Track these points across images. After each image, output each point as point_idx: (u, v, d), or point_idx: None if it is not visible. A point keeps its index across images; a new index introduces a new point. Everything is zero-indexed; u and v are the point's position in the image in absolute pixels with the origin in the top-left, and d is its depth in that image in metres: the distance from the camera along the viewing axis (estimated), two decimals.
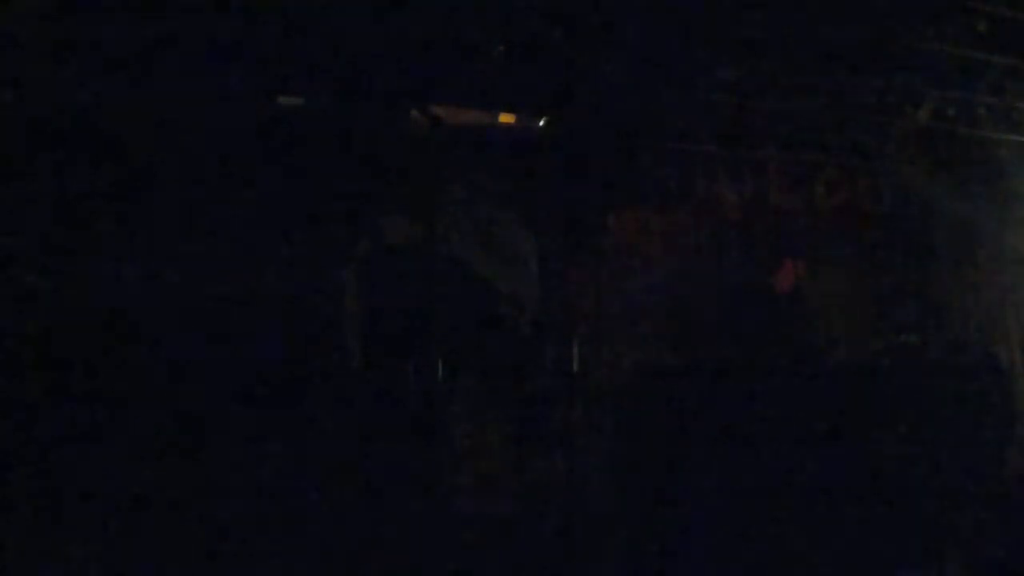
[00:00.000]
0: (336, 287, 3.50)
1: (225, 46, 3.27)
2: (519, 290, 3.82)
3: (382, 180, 3.63)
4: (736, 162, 4.58)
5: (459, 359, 3.60)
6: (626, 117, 4.15)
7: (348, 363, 3.46)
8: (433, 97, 3.69)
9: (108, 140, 3.19)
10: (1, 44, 2.99)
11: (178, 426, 3.09)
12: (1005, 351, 4.85)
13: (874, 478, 3.84)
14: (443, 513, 3.45)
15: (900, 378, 4.22)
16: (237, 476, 3.13)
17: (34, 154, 3.10)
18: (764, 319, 4.17)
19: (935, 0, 3.85)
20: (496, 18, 3.51)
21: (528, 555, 3.53)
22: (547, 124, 4.06)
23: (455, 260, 3.69)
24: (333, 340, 3.45)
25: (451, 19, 3.43)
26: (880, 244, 4.84)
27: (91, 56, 3.13)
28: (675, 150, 4.44)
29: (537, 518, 3.63)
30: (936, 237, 4.96)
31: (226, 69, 3.33)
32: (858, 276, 4.78)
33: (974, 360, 4.61)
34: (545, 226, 3.99)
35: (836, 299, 4.71)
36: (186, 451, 3.08)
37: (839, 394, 4.02)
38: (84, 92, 3.16)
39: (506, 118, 4.03)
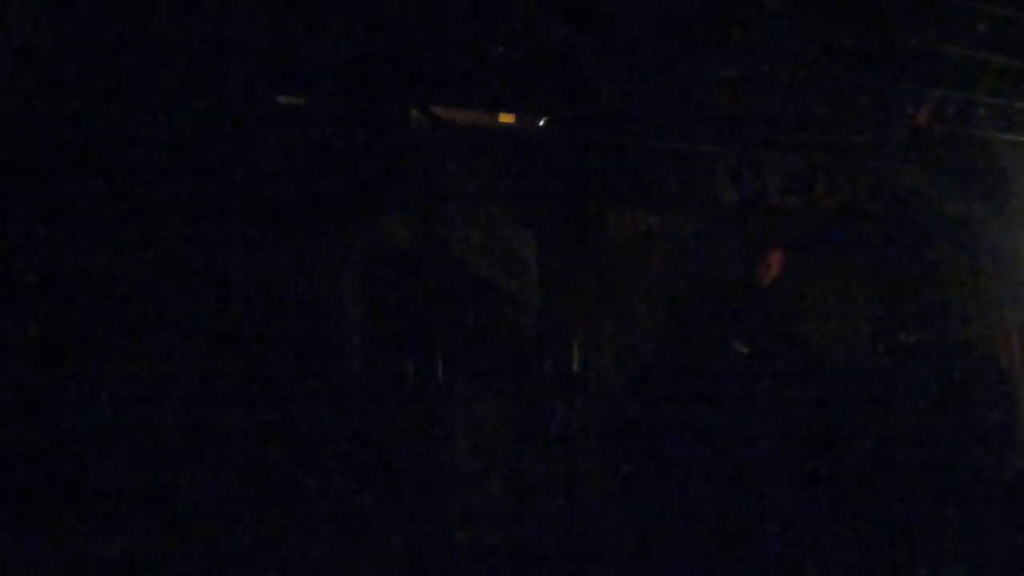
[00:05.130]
0: (335, 287, 3.50)
1: (225, 45, 3.27)
2: (519, 290, 3.82)
3: (382, 180, 3.63)
4: (736, 162, 4.59)
5: (459, 359, 3.60)
6: (626, 117, 4.15)
7: (348, 363, 3.46)
8: (433, 97, 3.69)
9: (106, 140, 3.19)
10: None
11: (176, 427, 3.09)
12: (1005, 351, 4.86)
13: (873, 476, 3.84)
14: (442, 513, 3.45)
15: (900, 378, 4.22)
16: (237, 476, 3.13)
17: (31, 153, 3.09)
18: (765, 319, 4.16)
19: (935, 0, 3.85)
20: (496, 18, 3.50)
21: (528, 555, 3.52)
22: (547, 124, 4.06)
23: (455, 260, 3.69)
24: (333, 340, 3.45)
25: (451, 19, 3.43)
26: (880, 244, 4.84)
27: (89, 55, 3.13)
28: (675, 150, 4.44)
29: (537, 518, 3.63)
30: (936, 237, 4.96)
31: (226, 68, 3.33)
32: (858, 276, 4.79)
33: (974, 360, 4.61)
34: (545, 226, 3.99)
35: (836, 299, 4.71)
36: (185, 451, 3.08)
37: (839, 393, 4.02)
38: (82, 91, 3.16)
39: (506, 118, 4.04)
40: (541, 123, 4.06)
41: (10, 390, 2.91)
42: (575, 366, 3.83)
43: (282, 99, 3.55)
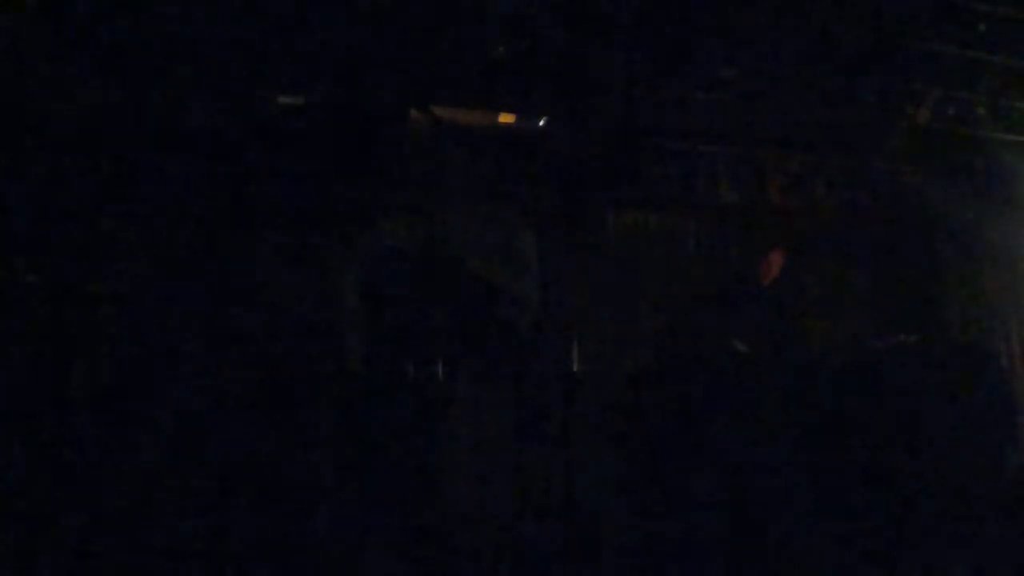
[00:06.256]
0: (336, 287, 3.50)
1: (225, 45, 3.27)
2: (519, 290, 3.82)
3: (382, 180, 3.63)
4: (736, 162, 4.59)
5: (459, 359, 3.60)
6: (626, 117, 4.15)
7: (348, 363, 3.46)
8: (433, 97, 3.69)
9: (106, 140, 3.19)
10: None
11: (176, 426, 3.08)
12: (1005, 351, 4.86)
13: (873, 477, 3.84)
14: (442, 513, 3.45)
15: (899, 378, 4.22)
16: (236, 476, 3.13)
17: (33, 154, 3.10)
18: (765, 319, 4.17)
19: (935, 0, 3.85)
20: (496, 18, 3.50)
21: (528, 555, 3.53)
22: (547, 124, 4.06)
23: (455, 260, 3.68)
24: (333, 340, 3.45)
25: (452, 19, 3.43)
26: (880, 244, 4.85)
27: (89, 55, 3.13)
28: (675, 150, 4.44)
29: (537, 518, 3.63)
30: (936, 237, 4.96)
31: (226, 68, 3.33)
32: (858, 276, 4.79)
33: (974, 360, 4.61)
34: (545, 226, 3.99)
35: (836, 299, 4.71)
36: (184, 451, 3.07)
37: (840, 393, 4.02)
38: (82, 92, 3.16)
39: (506, 118, 4.04)
40: (541, 123, 4.06)
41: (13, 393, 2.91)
42: (575, 366, 3.83)
43: (282, 99, 3.55)
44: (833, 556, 3.54)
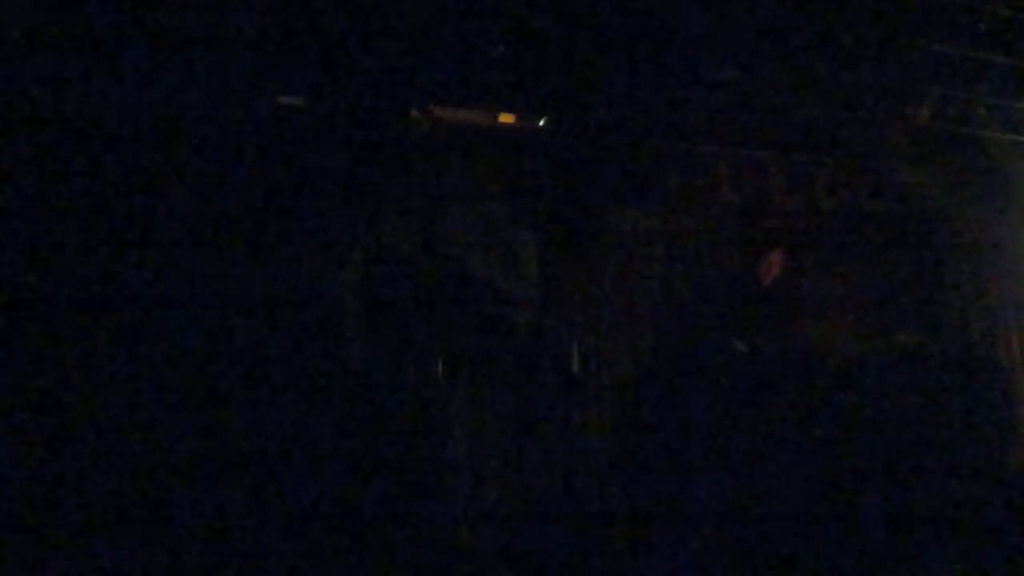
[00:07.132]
0: (335, 287, 3.50)
1: (225, 45, 3.27)
2: (519, 290, 3.82)
3: (382, 180, 3.63)
4: (736, 162, 4.59)
5: (459, 359, 3.60)
6: (626, 117, 4.15)
7: (348, 364, 3.46)
8: (433, 97, 3.69)
9: (106, 139, 3.19)
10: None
11: (176, 425, 3.08)
12: (1005, 351, 4.86)
13: (873, 476, 3.84)
14: (442, 513, 3.45)
15: (899, 378, 4.22)
16: (235, 475, 3.13)
17: (30, 153, 3.09)
18: (764, 319, 4.17)
19: (935, 0, 3.85)
20: (496, 18, 3.50)
21: (528, 555, 3.53)
22: (547, 124, 4.06)
23: (455, 260, 3.68)
24: (333, 340, 3.45)
25: (451, 19, 3.43)
26: (880, 244, 4.85)
27: (89, 55, 3.13)
28: (675, 150, 4.45)
29: (538, 518, 3.63)
30: (936, 237, 4.97)
31: (226, 68, 3.33)
32: (858, 276, 4.79)
33: (974, 360, 4.61)
34: (545, 226, 3.99)
35: (836, 299, 4.71)
36: (183, 451, 3.07)
37: (839, 393, 4.02)
38: (82, 91, 3.16)
39: (506, 118, 4.04)
40: (541, 123, 4.06)
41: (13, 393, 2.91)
42: (575, 366, 3.83)
43: (282, 99, 3.55)
44: (833, 555, 3.54)
